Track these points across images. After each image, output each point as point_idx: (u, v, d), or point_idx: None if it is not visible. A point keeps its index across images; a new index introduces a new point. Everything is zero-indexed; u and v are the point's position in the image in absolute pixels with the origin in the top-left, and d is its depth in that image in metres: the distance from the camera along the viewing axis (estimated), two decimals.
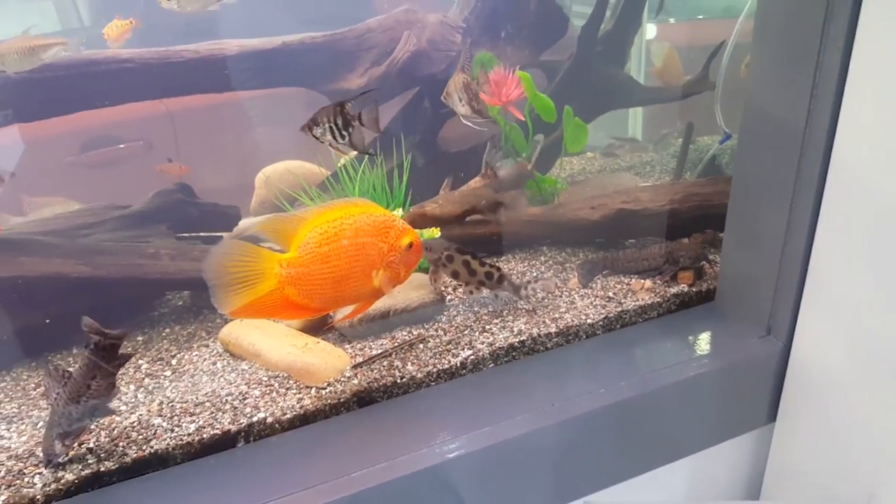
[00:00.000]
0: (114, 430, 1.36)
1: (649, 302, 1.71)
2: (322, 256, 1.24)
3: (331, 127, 1.38)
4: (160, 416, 1.39)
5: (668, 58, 2.39)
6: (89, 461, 1.28)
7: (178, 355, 1.63)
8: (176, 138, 2.51)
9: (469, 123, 1.75)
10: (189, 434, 1.33)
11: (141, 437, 1.33)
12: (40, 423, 1.40)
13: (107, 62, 1.70)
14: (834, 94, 1.31)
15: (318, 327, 1.64)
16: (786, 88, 1.41)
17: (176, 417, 1.38)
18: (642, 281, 1.78)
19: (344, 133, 1.39)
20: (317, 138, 1.40)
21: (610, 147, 2.87)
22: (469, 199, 1.85)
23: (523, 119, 1.98)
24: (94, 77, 1.69)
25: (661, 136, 3.04)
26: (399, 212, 1.92)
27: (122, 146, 2.47)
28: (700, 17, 3.27)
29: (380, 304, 1.62)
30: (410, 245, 1.31)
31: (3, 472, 1.26)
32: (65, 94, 1.69)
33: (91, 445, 1.31)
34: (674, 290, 1.75)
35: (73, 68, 1.67)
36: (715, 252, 1.88)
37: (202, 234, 1.93)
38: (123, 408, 1.43)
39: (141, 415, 1.40)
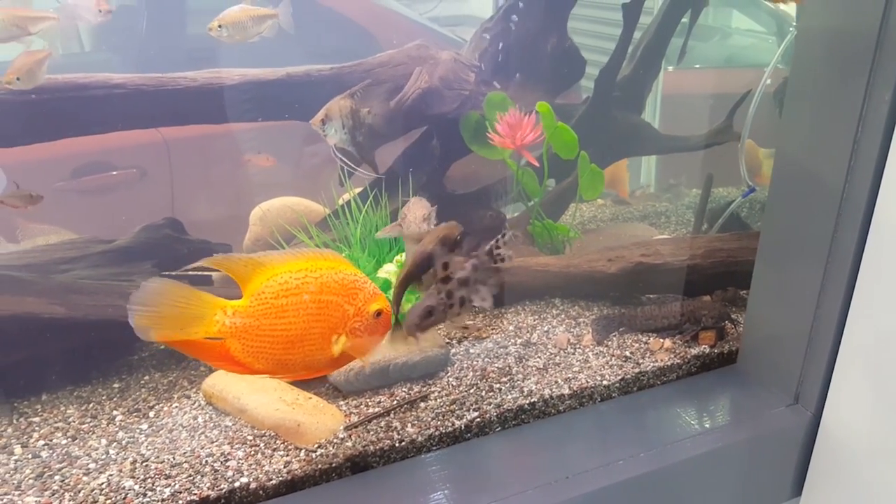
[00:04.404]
0: (79, 492, 1.22)
1: (668, 363, 1.60)
2: (277, 310, 1.08)
3: None
4: (132, 477, 1.25)
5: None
6: None
7: (157, 406, 1.49)
8: (171, 168, 2.41)
9: (339, 157, 1.58)
10: (163, 500, 1.20)
11: (109, 501, 1.19)
12: None
13: (96, 87, 1.59)
14: (878, 150, 1.25)
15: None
16: (824, 142, 1.35)
17: (150, 480, 1.24)
18: (661, 340, 1.67)
19: None
20: None
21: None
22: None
23: (538, 164, 1.87)
24: (83, 102, 1.58)
25: (668, 185, 2.97)
26: (401, 257, 1.80)
27: (114, 173, 2.37)
28: (697, 66, 3.26)
29: (378, 356, 1.49)
30: (379, 313, 1.15)
31: None
32: (52, 118, 1.58)
33: None
34: (694, 350, 1.64)
35: (60, 91, 1.56)
36: (737, 311, 1.77)
37: (189, 271, 1.81)
38: (93, 465, 1.29)
39: (111, 475, 1.26)
